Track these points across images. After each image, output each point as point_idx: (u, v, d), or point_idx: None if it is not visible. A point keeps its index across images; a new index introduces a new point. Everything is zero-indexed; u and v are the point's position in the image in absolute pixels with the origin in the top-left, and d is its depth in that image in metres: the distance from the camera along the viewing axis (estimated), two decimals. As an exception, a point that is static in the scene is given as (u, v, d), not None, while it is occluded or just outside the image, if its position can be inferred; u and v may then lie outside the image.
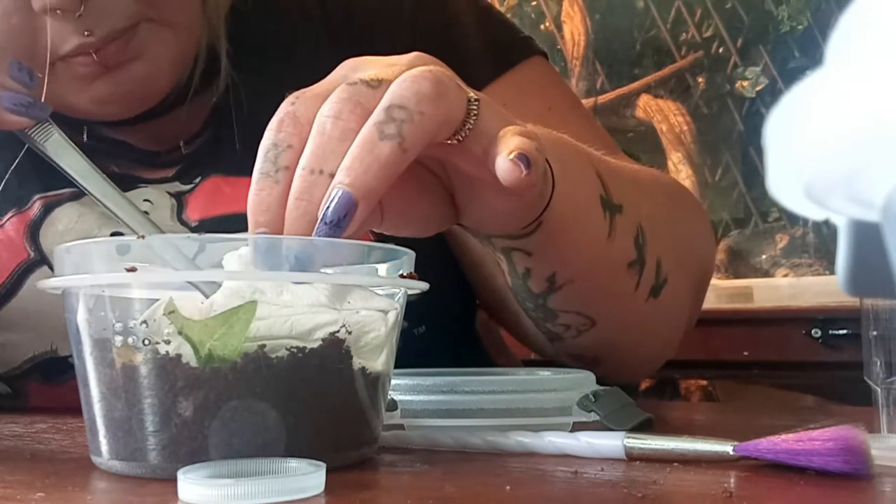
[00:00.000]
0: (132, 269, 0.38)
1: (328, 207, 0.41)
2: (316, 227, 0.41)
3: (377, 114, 0.42)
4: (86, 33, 0.60)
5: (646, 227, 0.60)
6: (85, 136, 0.70)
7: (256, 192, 0.44)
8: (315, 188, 0.42)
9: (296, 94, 0.45)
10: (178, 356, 0.38)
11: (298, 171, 0.43)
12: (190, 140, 0.72)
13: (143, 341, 0.38)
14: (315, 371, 0.39)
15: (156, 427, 0.38)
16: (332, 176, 0.42)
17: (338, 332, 0.40)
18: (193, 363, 0.38)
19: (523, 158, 0.43)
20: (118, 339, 0.39)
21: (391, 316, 0.42)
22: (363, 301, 0.41)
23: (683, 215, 0.72)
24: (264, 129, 0.45)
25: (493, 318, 0.80)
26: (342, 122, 0.43)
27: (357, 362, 0.41)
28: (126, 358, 0.39)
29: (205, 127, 0.72)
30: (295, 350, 0.39)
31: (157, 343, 0.38)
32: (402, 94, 0.42)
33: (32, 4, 0.59)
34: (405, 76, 0.43)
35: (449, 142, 0.44)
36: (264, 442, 0.38)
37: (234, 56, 0.70)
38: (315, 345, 0.39)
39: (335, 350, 0.40)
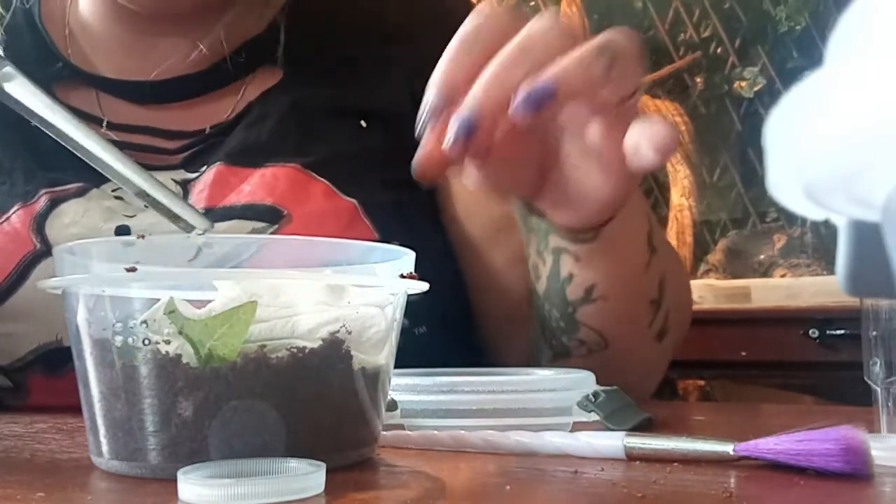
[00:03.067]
0: (132, 269, 0.38)
1: (534, 85, 0.43)
2: (516, 96, 0.43)
3: (596, 41, 0.45)
4: None
5: (667, 277, 0.64)
6: (104, 126, 0.72)
7: (448, 60, 0.45)
8: (520, 62, 0.44)
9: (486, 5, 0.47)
10: (179, 356, 0.38)
11: (504, 50, 0.44)
12: (217, 125, 0.74)
13: (143, 341, 0.38)
14: (315, 371, 0.39)
15: (156, 427, 0.38)
16: (538, 65, 0.44)
17: (338, 331, 0.40)
18: (194, 363, 0.38)
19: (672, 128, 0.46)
20: (118, 339, 0.39)
21: (388, 311, 0.42)
22: (360, 297, 0.41)
23: (684, 280, 0.77)
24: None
25: (481, 328, 0.79)
26: (553, 34, 0.45)
27: (357, 362, 0.41)
28: (126, 358, 0.39)
29: (238, 120, 0.74)
30: (295, 350, 0.39)
31: (158, 343, 0.38)
32: (619, 39, 0.45)
33: None
34: (610, 32, 0.46)
35: (618, 103, 0.47)
36: (264, 442, 0.38)
37: (285, 53, 0.74)
38: (315, 345, 0.39)
39: (335, 350, 0.40)
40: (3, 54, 0.62)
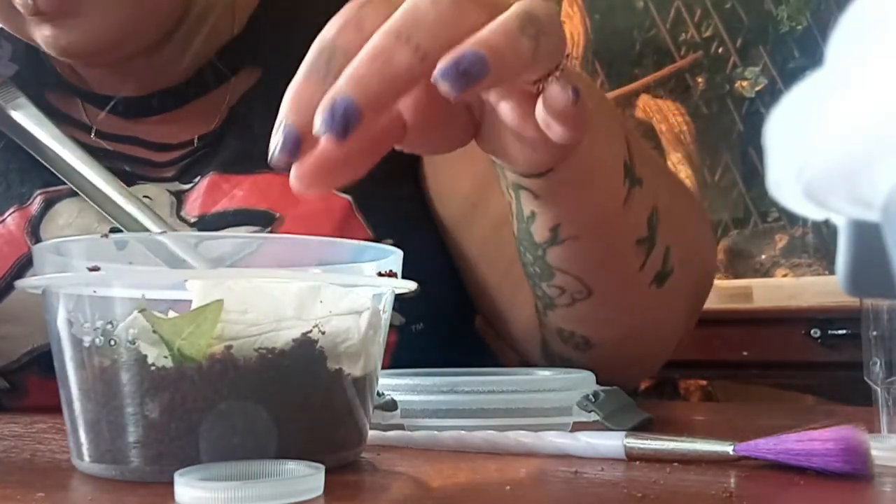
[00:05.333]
0: (95, 269, 0.38)
1: (462, 56, 0.35)
2: (439, 65, 0.35)
3: (513, 11, 0.37)
4: None
5: (661, 211, 0.58)
6: (92, 134, 0.71)
7: (299, 87, 0.38)
8: (398, 53, 0.35)
9: None
10: (144, 357, 0.37)
11: (379, 34, 0.36)
12: (204, 136, 0.73)
13: (110, 342, 0.38)
14: (285, 372, 0.38)
15: (123, 429, 0.38)
16: (419, 48, 0.35)
17: (310, 332, 0.39)
18: (160, 364, 0.37)
19: (575, 91, 0.39)
20: (87, 340, 0.38)
21: (365, 316, 0.41)
22: (333, 302, 0.40)
23: (695, 217, 0.70)
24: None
25: (484, 320, 0.79)
26: (441, 8, 0.36)
27: (332, 364, 0.40)
28: (95, 358, 0.38)
29: (224, 126, 0.73)
30: (264, 351, 0.38)
31: (125, 344, 0.38)
32: (538, 10, 0.37)
33: None
34: (525, 2, 0.38)
35: (532, 85, 0.40)
36: (233, 445, 0.37)
37: (261, 51, 0.73)
38: (286, 346, 0.38)
39: (307, 351, 0.39)
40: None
